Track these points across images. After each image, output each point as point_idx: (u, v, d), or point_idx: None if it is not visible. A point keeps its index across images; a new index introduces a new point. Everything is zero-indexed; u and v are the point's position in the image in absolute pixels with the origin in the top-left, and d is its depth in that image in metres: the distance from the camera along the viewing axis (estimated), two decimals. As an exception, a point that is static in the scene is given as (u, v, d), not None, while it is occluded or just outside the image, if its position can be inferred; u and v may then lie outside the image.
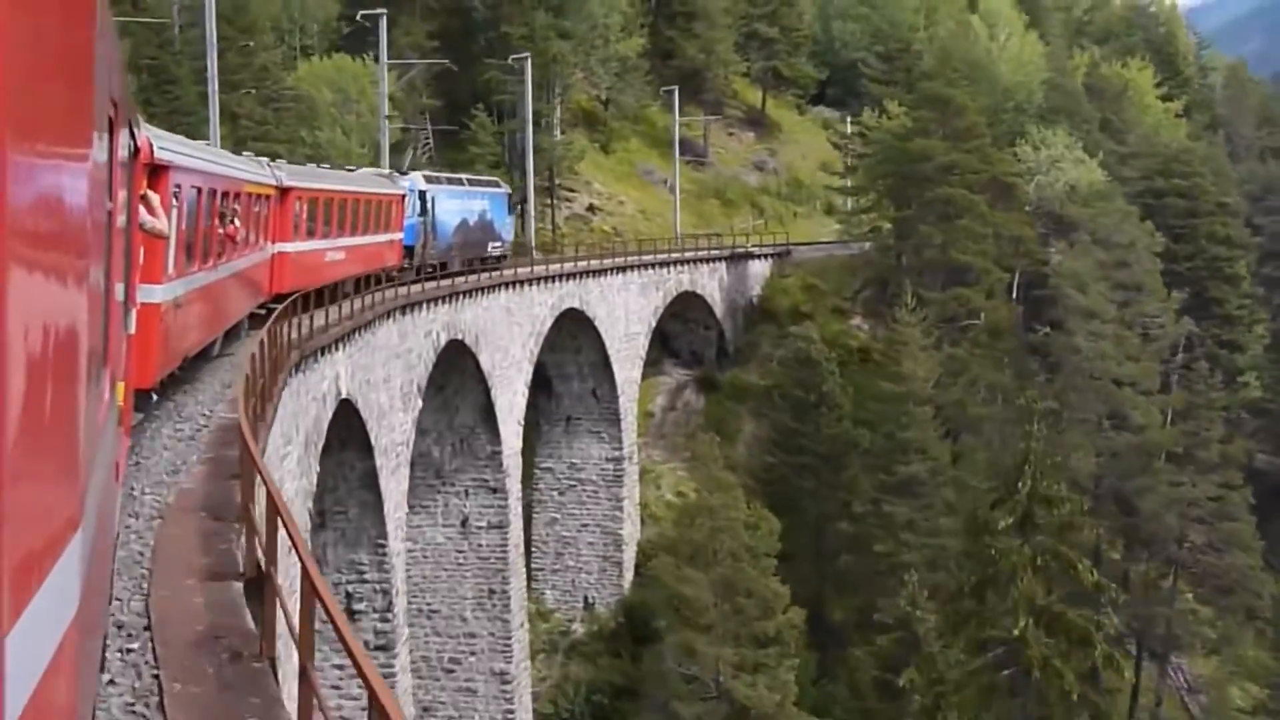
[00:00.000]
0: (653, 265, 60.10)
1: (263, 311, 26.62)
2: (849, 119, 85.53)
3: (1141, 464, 59.55)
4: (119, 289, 7.97)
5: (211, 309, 20.40)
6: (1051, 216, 72.58)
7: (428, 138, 69.79)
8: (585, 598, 55.90)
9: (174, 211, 16.33)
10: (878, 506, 53.46)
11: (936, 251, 64.00)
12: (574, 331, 53.24)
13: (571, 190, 77.30)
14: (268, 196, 26.34)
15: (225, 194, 20.82)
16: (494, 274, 46.86)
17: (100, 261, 5.32)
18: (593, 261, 55.58)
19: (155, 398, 16.40)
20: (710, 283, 66.98)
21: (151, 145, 14.97)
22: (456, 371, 42.09)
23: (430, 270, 43.27)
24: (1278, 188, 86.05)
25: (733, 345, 68.80)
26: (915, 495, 53.04)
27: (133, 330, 13.74)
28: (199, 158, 18.94)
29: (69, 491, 3.26)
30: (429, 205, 43.21)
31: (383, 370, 33.09)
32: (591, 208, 77.59)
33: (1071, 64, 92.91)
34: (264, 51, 61.60)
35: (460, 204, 47.28)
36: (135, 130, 10.88)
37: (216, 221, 20.02)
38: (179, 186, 16.62)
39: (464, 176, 52.54)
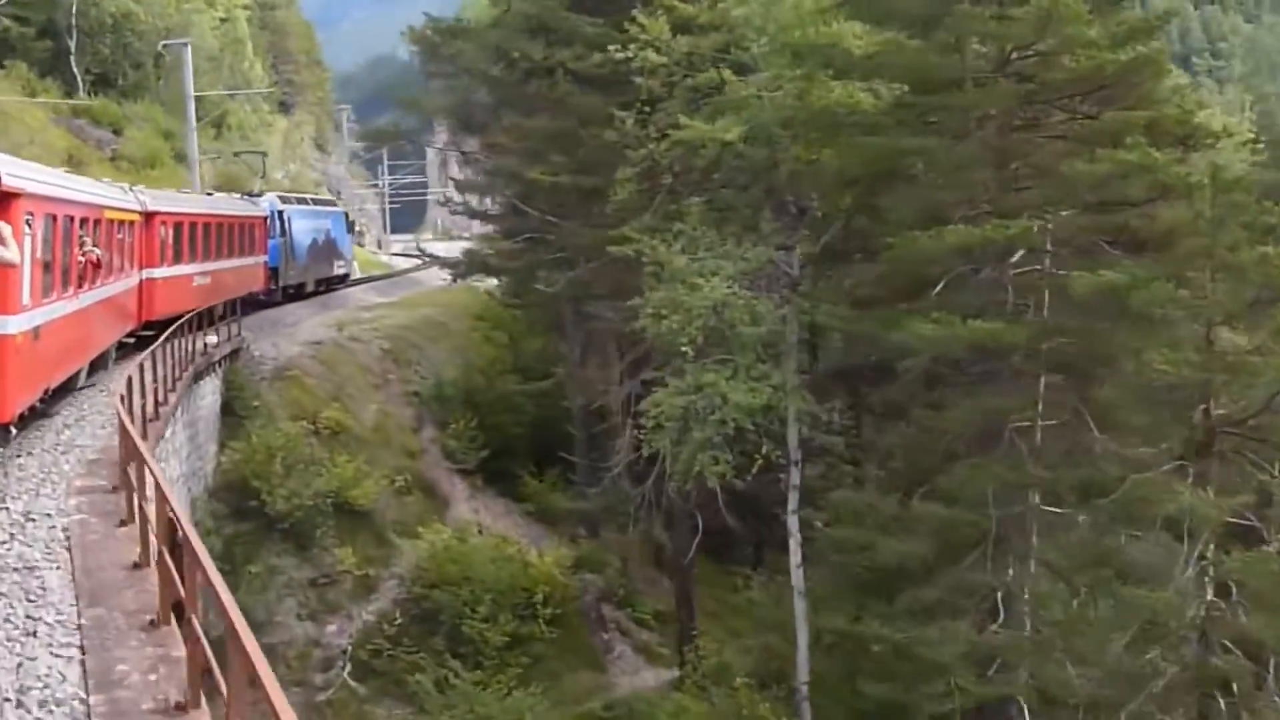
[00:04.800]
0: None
1: (132, 340, 26.08)
2: None
3: None
4: None
5: (75, 339, 19.88)
6: None
7: None
8: None
9: (27, 240, 15.88)
10: None
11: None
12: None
13: None
14: (132, 222, 25.81)
15: (84, 220, 20.32)
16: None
17: None
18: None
19: (14, 431, 15.94)
20: (173, 466, 24.52)
21: (-1, 173, 14.57)
22: None
23: (290, 291, 43.59)
24: None
25: None
26: None
27: (-19, 362, 13.38)
28: (53, 184, 18.46)
29: None
30: (286, 226, 43.10)
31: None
32: None
33: None
34: None
35: (310, 224, 47.28)
36: None
37: (76, 249, 19.52)
38: (31, 214, 16.17)
39: (308, 196, 53.11)
